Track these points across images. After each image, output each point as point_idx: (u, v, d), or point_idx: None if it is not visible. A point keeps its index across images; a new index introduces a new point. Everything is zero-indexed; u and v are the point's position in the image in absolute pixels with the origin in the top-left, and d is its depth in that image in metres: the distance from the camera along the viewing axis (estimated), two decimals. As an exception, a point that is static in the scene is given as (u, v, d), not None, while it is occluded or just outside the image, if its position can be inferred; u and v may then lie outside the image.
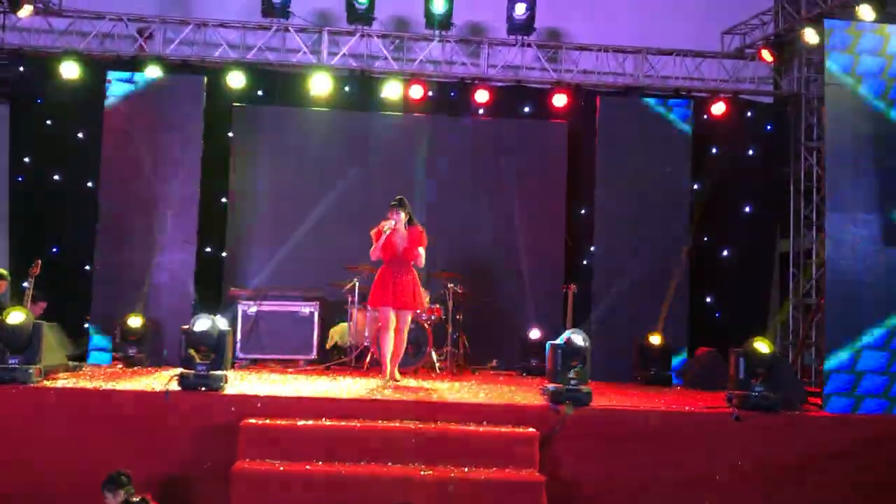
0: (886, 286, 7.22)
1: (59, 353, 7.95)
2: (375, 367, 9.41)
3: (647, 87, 11.04)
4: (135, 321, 9.12)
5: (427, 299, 8.93)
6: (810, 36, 9.98)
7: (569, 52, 11.17)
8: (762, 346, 6.98)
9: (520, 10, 10.36)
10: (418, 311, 8.63)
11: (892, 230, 7.30)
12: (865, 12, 9.11)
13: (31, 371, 6.53)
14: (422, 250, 7.97)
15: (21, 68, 10.69)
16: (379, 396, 7.01)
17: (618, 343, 9.78)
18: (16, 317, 6.67)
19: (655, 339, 9.54)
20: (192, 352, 6.71)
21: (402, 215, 7.99)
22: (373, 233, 7.95)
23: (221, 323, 6.95)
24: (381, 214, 10.60)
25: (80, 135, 10.63)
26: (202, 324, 6.82)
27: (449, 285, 9.62)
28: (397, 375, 8.17)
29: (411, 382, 8.21)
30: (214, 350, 6.78)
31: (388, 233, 7.85)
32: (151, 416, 6.41)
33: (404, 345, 8.22)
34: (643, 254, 10.15)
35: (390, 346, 7.98)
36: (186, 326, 6.93)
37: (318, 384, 7.80)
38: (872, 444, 6.70)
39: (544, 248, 11.13)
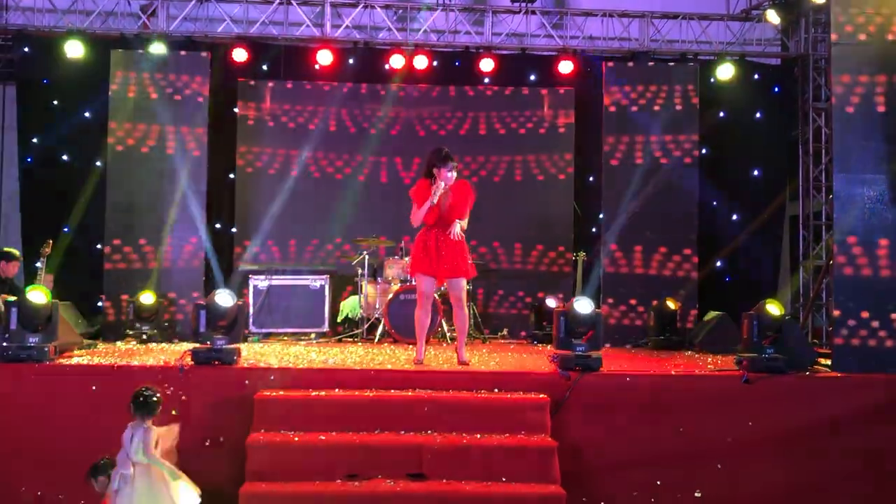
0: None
1: (73, 331, 8.05)
2: (386, 339, 9.50)
3: (654, 51, 10.98)
4: (147, 298, 9.23)
5: None
6: (816, -5, 9.90)
7: (574, 18, 11.11)
8: (774, 308, 6.99)
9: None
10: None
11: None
12: (872, -31, 8.99)
13: (46, 349, 6.59)
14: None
15: (26, 49, 10.69)
16: (390, 366, 7.07)
17: (627, 309, 9.83)
18: (37, 296, 6.70)
19: (672, 305, 9.55)
20: (205, 326, 6.75)
21: (455, 172, 6.96)
22: (412, 192, 7.03)
23: (234, 297, 7.00)
24: (388, 186, 10.76)
25: (86, 114, 10.63)
26: (220, 298, 6.84)
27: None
28: (466, 356, 7.18)
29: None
30: (228, 324, 6.84)
31: (439, 194, 6.86)
32: (166, 390, 6.46)
33: (467, 320, 7.31)
34: (652, 220, 10.15)
35: (426, 322, 7.19)
36: (201, 301, 6.99)
37: (330, 356, 7.85)
38: (884, 403, 6.70)
39: (553, 216, 11.12)
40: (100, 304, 9.76)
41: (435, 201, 6.89)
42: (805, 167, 11.32)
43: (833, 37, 7.44)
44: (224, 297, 6.88)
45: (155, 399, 5.37)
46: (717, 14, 11.13)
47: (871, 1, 7.37)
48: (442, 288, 7.49)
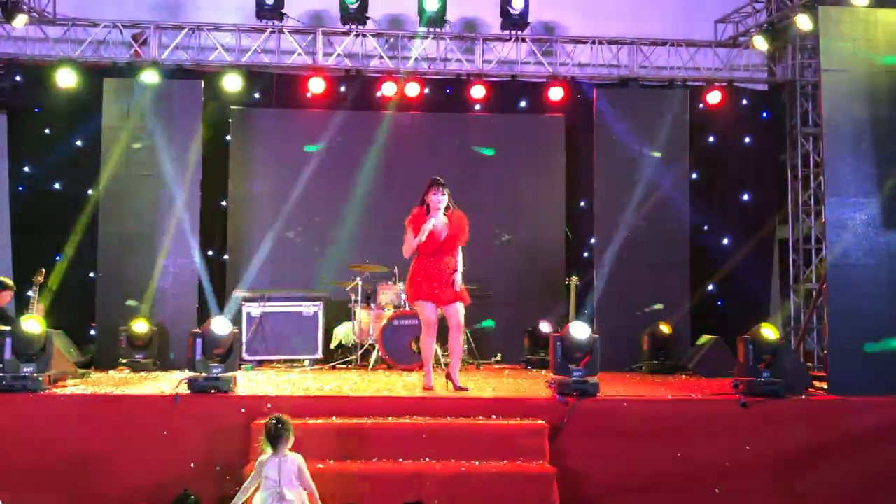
0: (888, 269, 7.27)
1: (66, 360, 8.01)
2: (380, 365, 9.47)
3: (643, 77, 11.08)
4: (140, 326, 9.17)
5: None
6: (804, 22, 10.00)
7: (563, 45, 11.20)
8: (769, 332, 7.04)
9: (518, 3, 10.40)
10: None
11: (890, 212, 7.34)
12: (858, -3, 9.14)
13: (40, 378, 6.55)
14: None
15: (18, 77, 10.67)
16: (386, 393, 7.06)
17: (621, 333, 9.84)
18: (31, 325, 6.68)
19: (665, 329, 9.57)
20: (201, 354, 6.72)
21: (447, 197, 7.10)
22: (408, 222, 7.13)
23: (230, 325, 6.97)
24: (380, 213, 10.75)
25: (78, 142, 10.63)
26: (217, 325, 6.82)
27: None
28: (460, 382, 7.20)
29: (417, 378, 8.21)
30: (224, 352, 6.81)
31: (427, 230, 6.98)
32: (162, 420, 6.44)
33: (462, 347, 7.46)
34: (644, 244, 10.20)
35: (432, 349, 7.27)
36: (196, 329, 6.95)
37: (326, 383, 7.83)
38: (880, 427, 6.73)
39: (545, 242, 11.16)
40: (92, 332, 9.71)
41: (423, 238, 6.99)
42: (794, 191, 11.41)
43: (822, 64, 7.54)
44: (221, 325, 6.87)
45: (289, 426, 5.51)
46: (704, 41, 11.25)
47: (859, 29, 7.49)
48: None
